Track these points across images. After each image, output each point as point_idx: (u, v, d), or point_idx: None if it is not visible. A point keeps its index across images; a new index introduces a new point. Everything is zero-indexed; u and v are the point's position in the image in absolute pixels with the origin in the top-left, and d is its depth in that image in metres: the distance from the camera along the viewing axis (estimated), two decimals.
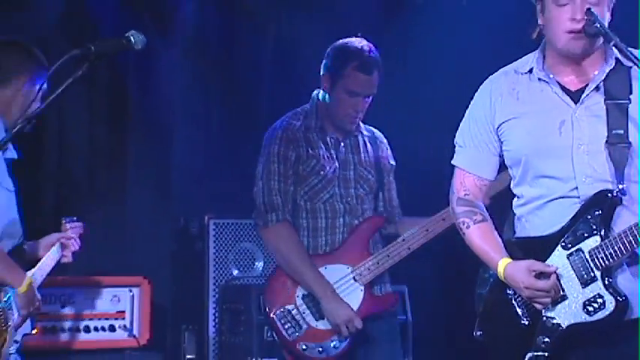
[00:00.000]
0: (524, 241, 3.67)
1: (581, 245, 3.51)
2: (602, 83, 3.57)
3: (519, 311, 3.63)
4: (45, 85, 4.43)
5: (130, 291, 5.78)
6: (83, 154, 6.46)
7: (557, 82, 3.61)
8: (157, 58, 6.45)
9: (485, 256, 3.69)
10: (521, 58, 3.79)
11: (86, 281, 5.71)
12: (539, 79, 3.64)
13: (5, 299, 4.15)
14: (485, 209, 3.79)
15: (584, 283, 3.49)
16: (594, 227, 3.50)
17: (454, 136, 3.88)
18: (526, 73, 3.69)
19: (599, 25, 3.41)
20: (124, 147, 6.63)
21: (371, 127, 4.96)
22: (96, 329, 5.67)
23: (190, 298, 6.18)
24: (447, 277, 6.55)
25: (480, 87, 3.80)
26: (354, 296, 4.68)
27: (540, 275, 3.51)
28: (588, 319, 3.49)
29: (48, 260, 4.65)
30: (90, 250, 5.56)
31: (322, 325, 4.66)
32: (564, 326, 3.52)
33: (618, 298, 3.45)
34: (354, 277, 4.68)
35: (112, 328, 5.71)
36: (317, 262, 4.71)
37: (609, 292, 3.46)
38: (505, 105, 3.69)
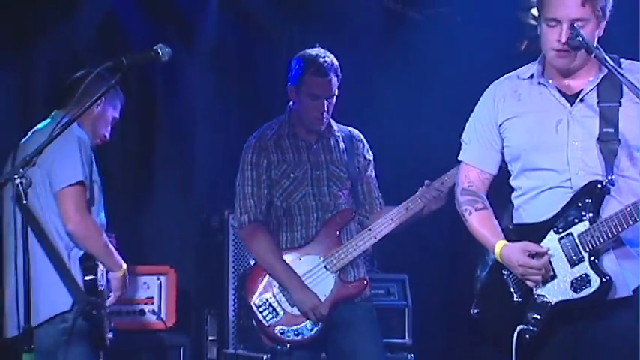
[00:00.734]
0: (520, 227, 3.68)
1: (571, 230, 3.53)
2: (595, 87, 3.59)
3: (512, 290, 3.64)
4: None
5: (158, 279, 5.81)
6: (116, 155, 6.42)
7: (555, 86, 3.64)
8: (181, 69, 6.43)
9: (484, 240, 3.71)
10: (509, 68, 3.83)
11: None
12: (539, 82, 3.66)
13: None
14: (486, 199, 3.80)
15: (573, 264, 3.51)
16: (584, 214, 3.51)
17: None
18: (527, 78, 3.71)
19: (581, 39, 3.43)
20: (151, 149, 6.63)
21: (348, 127, 4.91)
22: (128, 313, 5.70)
23: (212, 285, 6.18)
24: (443, 266, 6.55)
25: (485, 91, 3.82)
26: (327, 283, 4.63)
27: (533, 255, 3.53)
28: (575, 296, 3.50)
29: None
30: (123, 242, 5.63)
31: (297, 311, 4.62)
32: (553, 303, 3.54)
33: (603, 277, 3.46)
34: (325, 266, 4.64)
35: (142, 312, 5.75)
36: (293, 253, 4.68)
37: (595, 272, 3.47)
38: (507, 105, 3.71)
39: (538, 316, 3.55)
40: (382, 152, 5.07)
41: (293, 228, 4.71)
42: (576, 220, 3.52)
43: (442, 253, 6.50)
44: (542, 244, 3.57)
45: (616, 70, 3.47)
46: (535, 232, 3.60)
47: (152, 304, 5.79)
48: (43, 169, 4.30)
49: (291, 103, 4.85)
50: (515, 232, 3.66)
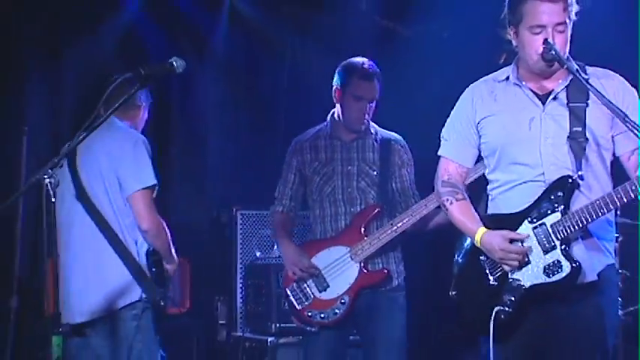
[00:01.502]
0: (497, 216, 3.66)
1: (544, 220, 3.52)
2: (565, 89, 3.59)
3: (489, 274, 3.62)
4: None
5: None
6: None
7: (529, 87, 3.63)
8: (194, 79, 6.47)
9: (464, 227, 3.69)
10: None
11: None
12: (514, 83, 3.66)
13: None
14: (464, 190, 3.79)
15: (546, 251, 3.50)
16: (556, 205, 3.50)
17: (437, 139, 3.90)
18: (503, 80, 3.70)
19: (554, 52, 3.44)
20: (168, 153, 6.65)
21: (388, 132, 4.90)
22: None
23: (222, 275, 6.21)
24: (431, 255, 6.57)
25: (463, 92, 3.81)
26: (351, 272, 4.63)
27: (513, 241, 3.53)
28: (547, 280, 3.49)
29: None
30: None
31: (325, 296, 4.63)
32: (527, 286, 3.52)
33: (573, 263, 3.46)
34: (350, 256, 4.63)
35: None
36: (324, 244, 4.69)
37: (566, 258, 3.47)
38: (484, 105, 3.70)
39: (513, 298, 3.54)
40: None
41: (325, 220, 4.73)
42: (549, 212, 3.52)
43: (429, 245, 6.51)
44: (518, 232, 3.57)
45: (582, 77, 3.48)
46: (511, 221, 3.58)
47: (168, 290, 5.79)
48: (111, 168, 4.27)
49: (333, 111, 4.83)
50: (492, 221, 3.63)
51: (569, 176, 3.52)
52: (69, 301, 4.23)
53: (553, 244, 3.50)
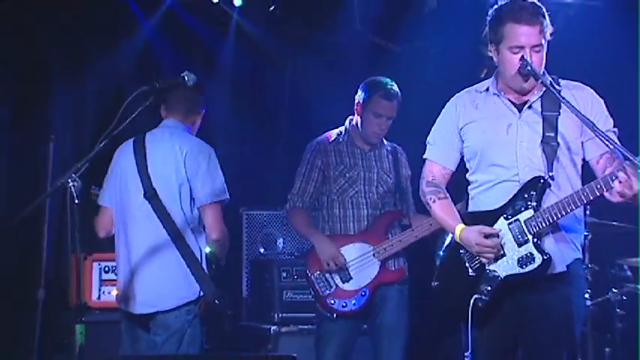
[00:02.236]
0: (475, 213, 3.69)
1: (518, 216, 3.55)
2: (539, 99, 3.62)
3: (468, 266, 3.65)
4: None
5: None
6: None
7: (507, 97, 3.67)
8: (203, 92, 6.49)
9: (445, 223, 3.72)
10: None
11: None
12: (494, 94, 3.69)
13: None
14: (446, 191, 3.80)
15: (520, 244, 3.53)
16: (529, 203, 3.53)
17: (425, 147, 3.92)
18: (484, 91, 3.73)
19: (529, 68, 3.48)
20: None
21: (393, 144, 4.93)
22: None
23: (229, 269, 6.05)
24: (416, 250, 6.56)
25: (448, 102, 3.84)
26: (373, 268, 4.66)
27: (488, 236, 3.55)
28: (521, 270, 3.53)
29: None
30: None
31: (347, 287, 4.64)
32: (502, 276, 3.55)
33: (544, 255, 3.49)
34: (373, 254, 4.66)
35: None
36: (348, 240, 4.69)
37: (538, 251, 3.50)
38: (467, 113, 3.73)
39: (489, 288, 3.57)
40: None
41: (347, 219, 4.73)
42: (523, 209, 3.55)
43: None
44: (493, 227, 3.59)
45: (555, 90, 3.52)
46: (488, 217, 3.61)
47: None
48: (185, 176, 4.20)
49: (352, 118, 4.82)
50: (472, 218, 3.66)
51: (541, 177, 3.54)
52: (133, 293, 4.23)
53: (526, 238, 3.52)
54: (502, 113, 3.65)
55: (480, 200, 3.71)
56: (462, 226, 3.63)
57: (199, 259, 4.23)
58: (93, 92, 6.18)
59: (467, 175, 3.80)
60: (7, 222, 5.47)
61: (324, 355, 4.66)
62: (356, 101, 4.77)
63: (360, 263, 4.67)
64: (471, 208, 3.75)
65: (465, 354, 3.51)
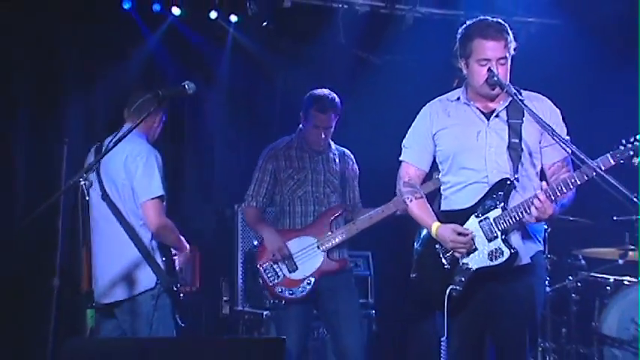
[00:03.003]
0: (449, 212, 3.69)
1: (488, 215, 3.55)
2: (505, 108, 3.63)
3: (443, 259, 3.64)
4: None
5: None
6: None
7: (476, 107, 3.67)
8: (203, 100, 6.42)
9: (422, 221, 3.71)
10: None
11: None
12: (464, 103, 3.69)
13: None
14: (422, 191, 3.80)
15: (490, 240, 3.54)
16: (498, 203, 3.54)
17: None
18: (455, 100, 3.73)
19: (496, 79, 3.49)
20: (182, 161, 6.62)
21: (342, 148, 4.91)
22: None
23: (226, 260, 6.15)
24: (396, 247, 6.56)
25: (422, 109, 3.83)
26: (317, 258, 4.64)
27: (460, 233, 3.55)
28: (491, 263, 3.54)
29: None
30: None
31: (294, 276, 4.62)
32: (474, 269, 3.56)
33: (512, 249, 3.51)
34: (317, 246, 4.65)
35: None
36: (294, 234, 4.68)
37: (506, 246, 3.51)
38: (440, 120, 3.73)
39: (463, 279, 3.57)
40: None
41: (294, 215, 4.72)
42: (492, 208, 3.55)
43: (396, 237, 6.51)
44: (466, 225, 3.59)
45: (520, 99, 3.52)
46: (461, 216, 3.61)
47: (180, 273, 5.71)
48: (127, 178, 4.18)
49: (300, 125, 4.83)
50: (446, 216, 3.67)
51: (508, 179, 3.55)
52: (97, 285, 4.21)
53: (495, 234, 3.53)
54: (472, 121, 3.65)
55: (452, 200, 3.70)
56: (437, 224, 3.63)
57: (152, 251, 4.21)
58: (103, 99, 6.13)
59: (439, 176, 3.80)
60: (24, 217, 5.44)
61: (289, 338, 4.61)
62: (300, 113, 4.79)
63: (306, 254, 4.66)
64: (444, 207, 3.74)
65: (442, 339, 3.51)
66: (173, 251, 4.33)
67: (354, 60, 6.72)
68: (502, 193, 3.55)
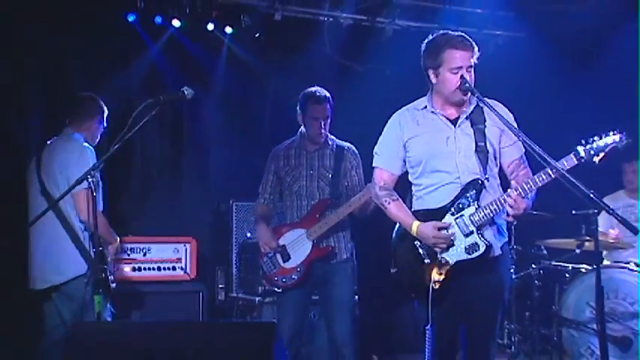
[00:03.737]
0: (426, 211, 3.63)
1: (463, 212, 3.53)
2: (469, 115, 3.60)
3: (422, 254, 3.60)
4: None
5: (185, 246, 5.73)
6: (155, 160, 6.42)
7: (442, 114, 3.63)
8: (200, 104, 6.38)
9: (402, 221, 3.66)
10: None
11: (159, 239, 5.68)
12: (432, 112, 3.65)
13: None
14: (396, 193, 3.75)
15: (466, 235, 3.52)
16: (471, 201, 3.52)
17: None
18: (422, 109, 3.68)
19: (467, 85, 3.47)
20: (181, 159, 6.57)
21: (344, 143, 4.83)
22: (164, 269, 5.64)
23: (221, 250, 6.14)
24: (380, 238, 6.54)
25: (391, 117, 3.77)
26: (306, 247, 4.60)
27: (440, 230, 3.52)
28: (468, 257, 3.52)
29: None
30: (161, 221, 5.61)
31: (287, 265, 4.61)
32: (452, 262, 3.54)
33: (486, 243, 3.49)
34: (306, 236, 4.62)
35: (174, 268, 5.68)
36: (288, 227, 4.67)
37: (481, 240, 3.49)
38: (410, 128, 3.67)
39: (442, 272, 3.53)
40: None
41: (293, 210, 4.70)
42: (466, 206, 3.53)
43: (379, 230, 6.48)
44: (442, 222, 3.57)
45: (485, 103, 3.48)
46: (437, 214, 3.58)
47: (180, 262, 5.71)
48: (63, 172, 4.23)
49: (301, 127, 4.77)
50: (423, 215, 3.62)
51: (479, 179, 3.54)
52: (33, 272, 4.24)
53: (471, 230, 3.51)
54: (440, 128, 3.62)
55: (426, 200, 3.65)
56: (417, 222, 3.59)
57: (84, 240, 4.22)
58: (108, 103, 6.02)
59: (411, 179, 3.74)
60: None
61: (285, 320, 4.62)
62: (298, 113, 4.75)
63: (297, 245, 4.64)
64: (418, 207, 3.69)
65: (426, 327, 3.48)
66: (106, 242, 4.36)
67: (338, 68, 6.70)
68: (474, 192, 3.52)
